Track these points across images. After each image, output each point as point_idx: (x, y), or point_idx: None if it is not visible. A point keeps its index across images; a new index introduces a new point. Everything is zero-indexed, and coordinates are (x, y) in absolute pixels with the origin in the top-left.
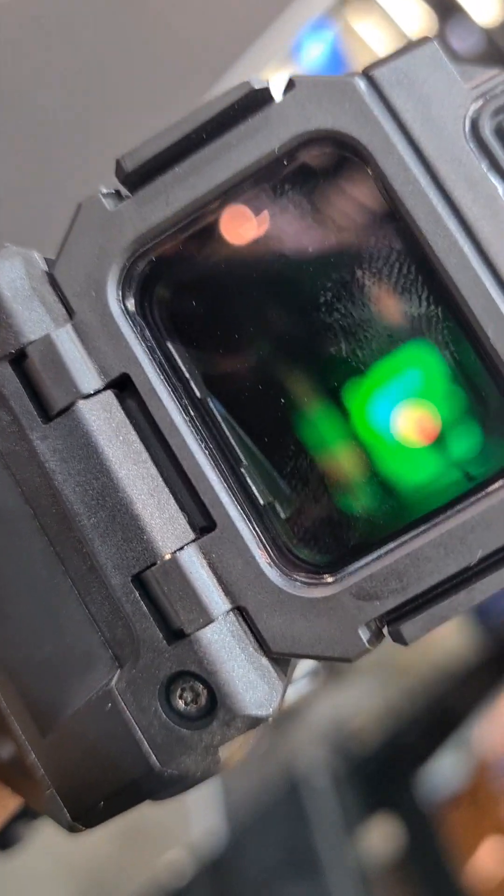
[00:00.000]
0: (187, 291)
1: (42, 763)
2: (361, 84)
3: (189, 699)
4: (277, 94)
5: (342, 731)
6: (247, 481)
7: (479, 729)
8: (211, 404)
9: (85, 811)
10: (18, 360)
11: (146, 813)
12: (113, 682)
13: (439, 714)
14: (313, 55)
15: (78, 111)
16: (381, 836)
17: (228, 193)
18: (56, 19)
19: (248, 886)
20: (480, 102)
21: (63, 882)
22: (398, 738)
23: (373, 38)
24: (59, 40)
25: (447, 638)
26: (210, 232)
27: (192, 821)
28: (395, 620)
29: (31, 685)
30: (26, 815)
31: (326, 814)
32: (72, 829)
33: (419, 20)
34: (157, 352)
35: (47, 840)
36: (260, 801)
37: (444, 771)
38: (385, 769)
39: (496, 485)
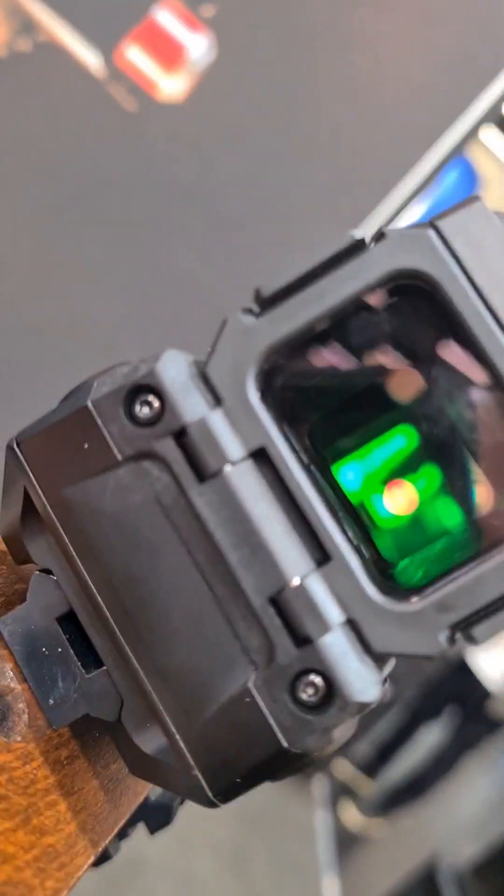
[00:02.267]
0: (291, 386)
1: (189, 749)
2: (432, 234)
3: (311, 692)
4: (371, 242)
5: (474, 838)
6: (344, 527)
7: None
8: (313, 469)
9: (223, 788)
10: (178, 435)
11: None
12: (251, 682)
13: None
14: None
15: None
16: None
17: (336, 314)
18: (217, 144)
19: None
20: None
21: None
22: None
23: (501, 151)
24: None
25: None
26: (315, 343)
27: None
28: (467, 626)
29: (182, 687)
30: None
31: None
32: (211, 805)
33: None
34: (280, 429)
35: None
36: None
37: None
38: None
39: None
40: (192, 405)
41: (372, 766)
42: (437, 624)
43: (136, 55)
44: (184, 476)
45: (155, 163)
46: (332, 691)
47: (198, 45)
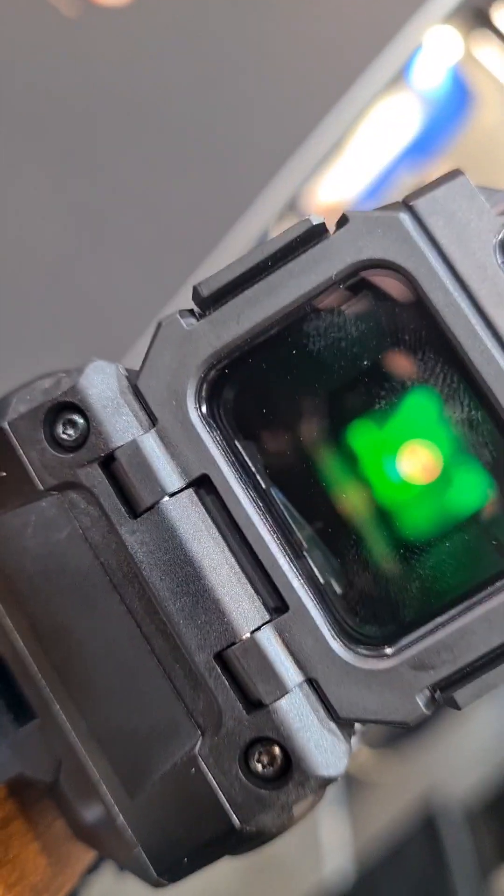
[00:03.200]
0: (250, 395)
1: (130, 824)
2: (406, 218)
3: (266, 762)
4: (332, 228)
5: (481, 767)
6: (310, 564)
7: None
8: (273, 494)
9: (169, 867)
10: (107, 462)
11: (277, 849)
12: (196, 749)
13: None
14: (434, 84)
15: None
16: None
17: (291, 313)
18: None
19: None
20: None
21: None
22: None
23: (496, 67)
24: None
25: None
26: (271, 346)
27: (324, 857)
28: (448, 687)
29: (120, 752)
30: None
31: (462, 853)
32: (157, 885)
33: None
34: (229, 450)
35: None
36: (393, 837)
37: None
38: None
39: None
40: (121, 426)
41: None
42: (413, 685)
43: None
44: (113, 511)
45: (97, 72)
46: (289, 763)
47: None
